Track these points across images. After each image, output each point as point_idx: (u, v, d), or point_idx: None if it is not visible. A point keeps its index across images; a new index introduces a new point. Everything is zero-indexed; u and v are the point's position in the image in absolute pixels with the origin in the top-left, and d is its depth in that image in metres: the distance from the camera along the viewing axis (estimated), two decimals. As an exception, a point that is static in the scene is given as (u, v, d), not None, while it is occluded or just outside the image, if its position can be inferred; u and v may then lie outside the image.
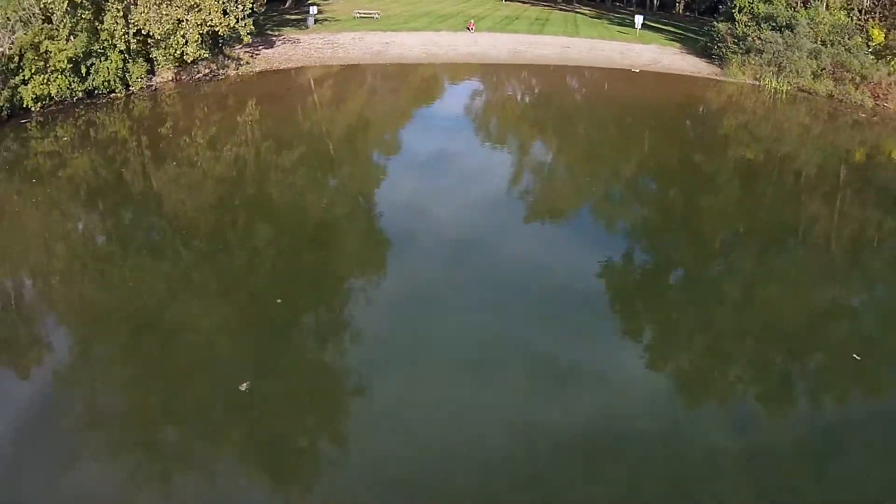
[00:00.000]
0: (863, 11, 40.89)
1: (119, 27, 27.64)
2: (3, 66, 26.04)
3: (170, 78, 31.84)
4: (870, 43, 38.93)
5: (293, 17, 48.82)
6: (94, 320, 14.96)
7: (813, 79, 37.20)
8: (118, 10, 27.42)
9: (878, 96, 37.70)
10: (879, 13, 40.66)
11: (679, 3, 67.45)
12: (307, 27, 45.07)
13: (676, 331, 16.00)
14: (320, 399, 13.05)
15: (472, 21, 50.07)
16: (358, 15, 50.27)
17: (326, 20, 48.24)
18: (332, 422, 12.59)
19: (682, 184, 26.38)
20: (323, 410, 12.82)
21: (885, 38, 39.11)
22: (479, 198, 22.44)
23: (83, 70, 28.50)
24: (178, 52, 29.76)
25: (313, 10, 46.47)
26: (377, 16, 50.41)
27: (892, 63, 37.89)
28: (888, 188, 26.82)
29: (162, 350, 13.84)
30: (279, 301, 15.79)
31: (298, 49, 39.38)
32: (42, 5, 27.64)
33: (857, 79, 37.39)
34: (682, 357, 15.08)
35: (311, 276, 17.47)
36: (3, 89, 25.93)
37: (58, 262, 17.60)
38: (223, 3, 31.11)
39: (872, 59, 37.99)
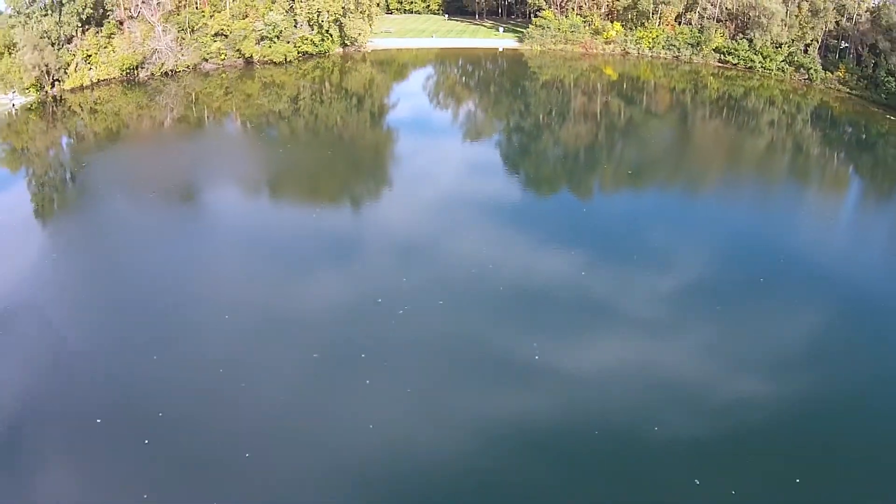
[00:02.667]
0: (600, 16, 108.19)
1: (335, 31, 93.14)
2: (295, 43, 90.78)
3: (340, 51, 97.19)
4: (592, 26, 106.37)
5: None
6: (313, 117, 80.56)
7: (553, 44, 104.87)
8: (335, 26, 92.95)
9: (587, 49, 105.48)
10: (606, 12, 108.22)
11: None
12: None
13: (540, 153, 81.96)
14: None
15: (434, 34, 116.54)
16: (382, 30, 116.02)
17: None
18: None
19: (502, 83, 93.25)
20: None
21: (601, 25, 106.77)
22: (432, 57, 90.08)
23: (316, 43, 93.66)
24: (360, 43, 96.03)
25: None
26: (392, 30, 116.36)
27: (602, 34, 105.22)
28: (606, 84, 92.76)
29: (329, 125, 79.95)
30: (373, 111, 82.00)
31: (375, 44, 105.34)
32: (308, 23, 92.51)
33: (575, 41, 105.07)
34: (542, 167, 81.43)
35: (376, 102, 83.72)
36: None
37: (301, 97, 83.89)
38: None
39: (592, 33, 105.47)
